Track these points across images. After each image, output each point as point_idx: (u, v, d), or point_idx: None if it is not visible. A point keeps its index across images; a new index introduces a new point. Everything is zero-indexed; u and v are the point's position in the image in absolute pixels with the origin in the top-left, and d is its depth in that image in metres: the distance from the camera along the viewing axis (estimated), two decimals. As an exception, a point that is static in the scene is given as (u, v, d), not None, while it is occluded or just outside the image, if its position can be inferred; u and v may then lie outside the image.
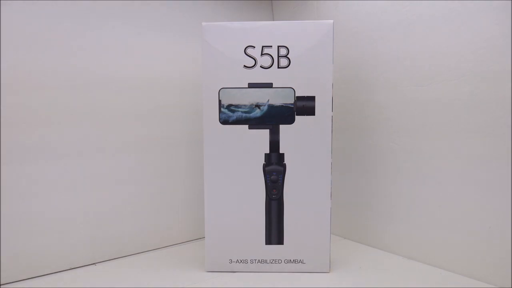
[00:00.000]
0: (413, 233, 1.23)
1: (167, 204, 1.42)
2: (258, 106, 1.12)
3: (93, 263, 1.26)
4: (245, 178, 1.14)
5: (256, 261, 1.17)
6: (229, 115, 1.13)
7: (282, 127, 1.12)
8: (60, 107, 1.18)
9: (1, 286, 1.10)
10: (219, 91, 1.12)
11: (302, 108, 1.11)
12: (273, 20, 1.68)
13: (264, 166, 1.14)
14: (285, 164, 1.13)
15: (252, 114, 1.12)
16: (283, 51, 1.11)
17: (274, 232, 1.16)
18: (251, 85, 1.12)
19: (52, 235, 1.18)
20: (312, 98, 1.11)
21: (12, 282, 1.12)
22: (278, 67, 1.11)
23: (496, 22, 1.00)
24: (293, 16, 1.59)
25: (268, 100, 1.12)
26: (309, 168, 1.13)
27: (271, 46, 1.11)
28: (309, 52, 1.10)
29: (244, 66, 1.11)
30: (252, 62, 1.11)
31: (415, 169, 1.21)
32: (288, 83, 1.11)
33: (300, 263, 1.16)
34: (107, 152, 1.27)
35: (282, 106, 1.12)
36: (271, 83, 1.11)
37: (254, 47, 1.11)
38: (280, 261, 1.16)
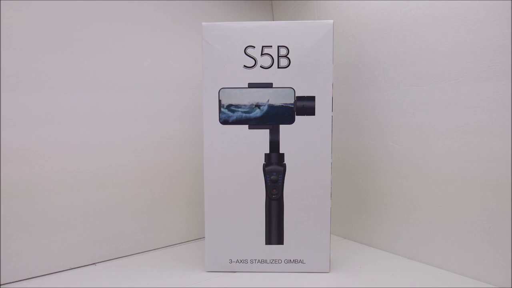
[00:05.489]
0: (413, 233, 1.23)
1: (167, 204, 1.42)
2: (258, 106, 1.12)
3: (93, 263, 1.26)
4: (245, 178, 1.14)
5: (256, 261, 1.17)
6: (229, 115, 1.13)
7: (282, 127, 1.12)
8: (59, 107, 1.18)
9: (1, 286, 1.10)
10: (219, 91, 1.12)
11: (302, 108, 1.11)
12: (273, 20, 1.68)
13: (264, 166, 1.14)
14: (285, 164, 1.13)
15: (252, 114, 1.12)
16: (283, 51, 1.10)
17: (274, 232, 1.16)
18: (251, 85, 1.12)
19: (52, 235, 1.18)
20: (312, 98, 1.11)
21: (12, 282, 1.12)
22: (278, 67, 1.11)
23: (496, 22, 1.00)
24: (293, 16, 1.59)
25: (268, 100, 1.12)
26: (309, 168, 1.13)
27: (271, 46, 1.11)
28: (309, 52, 1.10)
29: (244, 66, 1.11)
30: (252, 62, 1.11)
31: (415, 169, 1.21)
32: (288, 83, 1.11)
33: (300, 263, 1.16)
34: (107, 152, 1.27)
35: (282, 106, 1.12)
36: (271, 83, 1.11)
37: (254, 47, 1.11)
38: (280, 261, 1.16)
